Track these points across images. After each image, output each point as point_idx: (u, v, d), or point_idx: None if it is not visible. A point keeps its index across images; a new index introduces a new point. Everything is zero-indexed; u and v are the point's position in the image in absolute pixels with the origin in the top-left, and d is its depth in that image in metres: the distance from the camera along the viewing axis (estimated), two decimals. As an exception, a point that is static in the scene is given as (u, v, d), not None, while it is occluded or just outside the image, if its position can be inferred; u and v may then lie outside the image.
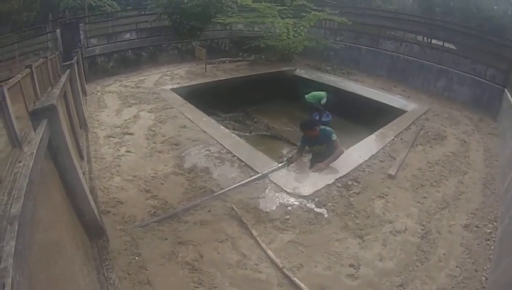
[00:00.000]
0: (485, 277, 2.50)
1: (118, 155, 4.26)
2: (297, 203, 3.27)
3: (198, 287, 2.32)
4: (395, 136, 4.90)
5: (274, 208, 3.19)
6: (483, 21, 16.95)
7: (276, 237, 2.82)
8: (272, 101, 8.38)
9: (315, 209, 3.19)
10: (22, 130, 4.10)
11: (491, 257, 2.69)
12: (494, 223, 3.10)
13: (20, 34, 14.81)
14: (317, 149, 4.09)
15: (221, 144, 4.52)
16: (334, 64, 9.56)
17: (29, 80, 5.39)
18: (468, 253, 2.73)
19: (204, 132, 4.96)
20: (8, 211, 0.99)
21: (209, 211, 3.15)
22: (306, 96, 6.97)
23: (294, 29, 9.67)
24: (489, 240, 2.89)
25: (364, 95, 7.35)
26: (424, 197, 3.49)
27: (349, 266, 2.56)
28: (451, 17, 18.28)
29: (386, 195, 3.50)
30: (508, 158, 4.04)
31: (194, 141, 4.65)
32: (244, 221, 2.96)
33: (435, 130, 5.25)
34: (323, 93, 6.94)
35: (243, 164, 4.02)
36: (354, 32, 10.71)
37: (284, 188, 3.50)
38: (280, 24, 9.72)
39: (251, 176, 3.72)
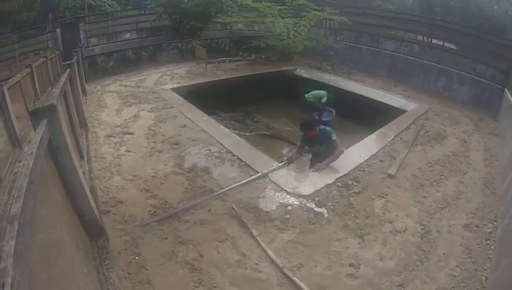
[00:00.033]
0: (485, 276, 2.50)
1: (118, 155, 4.26)
2: (297, 202, 3.27)
3: (198, 287, 2.32)
4: (395, 136, 4.90)
5: (274, 208, 3.19)
6: (483, 21, 16.95)
7: (276, 237, 2.82)
8: (272, 100, 8.38)
9: (315, 208, 3.19)
10: (22, 129, 4.10)
11: (491, 256, 2.69)
12: (494, 223, 3.10)
13: (20, 33, 14.80)
14: (317, 149, 4.09)
15: (221, 144, 4.52)
16: (334, 64, 9.56)
17: (29, 79, 5.39)
18: (468, 253, 2.73)
19: (205, 131, 4.96)
20: (8, 211, 0.99)
21: (209, 210, 3.15)
22: (306, 95, 6.97)
23: (295, 28, 9.66)
24: (489, 239, 2.89)
25: (364, 94, 7.35)
26: (424, 196, 3.49)
27: (349, 265, 2.56)
28: (452, 16, 18.28)
29: (386, 195, 3.49)
30: (508, 158, 4.04)
31: (194, 140, 4.65)
32: (244, 220, 2.96)
33: (435, 129, 5.25)
34: (323, 92, 6.94)
35: (243, 163, 4.02)
36: (354, 31, 10.71)
37: (284, 188, 3.50)
38: (280, 24, 9.72)
39: (251, 175, 3.72)
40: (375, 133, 5.03)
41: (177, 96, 6.71)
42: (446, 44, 9.11)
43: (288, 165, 3.98)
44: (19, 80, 4.55)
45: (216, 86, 7.90)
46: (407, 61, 8.31)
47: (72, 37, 12.03)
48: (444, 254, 2.71)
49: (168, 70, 8.94)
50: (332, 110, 6.98)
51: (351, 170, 3.88)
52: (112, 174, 3.79)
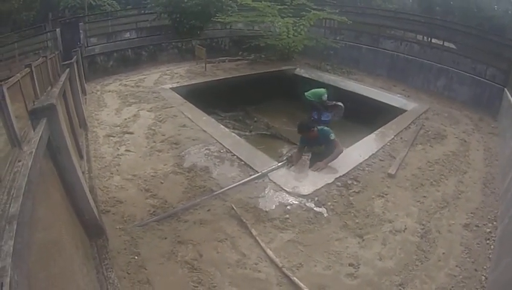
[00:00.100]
0: (484, 276, 2.50)
1: (118, 154, 4.26)
2: (296, 202, 3.27)
3: (197, 287, 2.32)
4: (395, 136, 4.90)
5: (273, 207, 3.19)
6: (483, 20, 16.95)
7: (276, 237, 2.82)
8: (272, 100, 8.37)
9: (315, 208, 3.19)
10: (21, 129, 4.09)
11: (490, 256, 2.69)
12: (494, 223, 3.10)
13: (20, 33, 14.78)
14: (317, 149, 4.08)
15: (220, 143, 4.52)
16: (334, 64, 9.55)
17: (28, 79, 5.38)
18: (468, 252, 2.73)
19: (204, 131, 4.96)
20: (6, 211, 0.99)
21: (208, 210, 3.14)
22: (306, 93, 6.96)
23: (294, 28, 9.66)
24: (489, 239, 2.89)
25: (364, 94, 7.35)
26: (424, 196, 3.49)
27: (349, 265, 2.56)
28: (451, 16, 18.28)
29: (386, 194, 3.49)
30: (508, 157, 4.04)
31: (193, 140, 4.65)
32: (244, 220, 2.96)
33: (435, 129, 5.25)
34: (323, 90, 6.93)
35: (243, 163, 4.02)
36: (354, 31, 10.70)
37: (284, 188, 3.50)
38: (280, 23, 9.71)
39: (251, 175, 3.72)
40: (375, 132, 5.03)
41: (176, 96, 6.70)
42: (446, 43, 9.10)
43: (287, 165, 3.98)
44: (18, 80, 4.54)
45: (216, 85, 7.90)
46: (407, 60, 8.30)
47: (72, 37, 12.03)
48: (443, 253, 2.71)
49: (167, 70, 8.93)
50: (340, 103, 6.95)
51: (351, 170, 3.87)
52: (112, 173, 3.79)
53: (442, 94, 7.25)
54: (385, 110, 6.35)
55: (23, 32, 14.92)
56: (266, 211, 3.13)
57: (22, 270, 0.88)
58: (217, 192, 3.39)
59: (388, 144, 4.64)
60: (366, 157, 4.17)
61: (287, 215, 3.08)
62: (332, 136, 3.89)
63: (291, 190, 3.45)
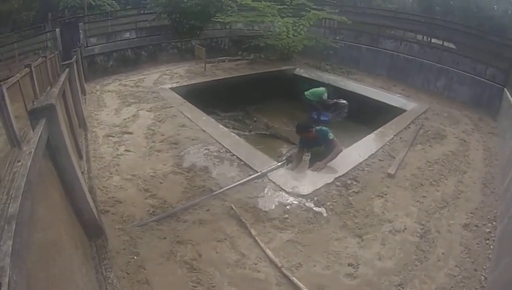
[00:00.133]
0: (484, 276, 2.50)
1: (117, 154, 4.25)
2: (296, 202, 3.27)
3: (196, 287, 2.32)
4: (394, 135, 4.90)
5: (273, 207, 3.19)
6: (483, 20, 16.95)
7: (275, 237, 2.82)
8: (272, 100, 8.37)
9: (314, 208, 3.19)
10: (21, 129, 4.08)
11: (490, 256, 2.69)
12: (494, 223, 3.11)
13: (19, 33, 14.78)
14: (317, 150, 4.08)
15: (220, 143, 4.52)
16: (333, 63, 9.55)
17: (28, 79, 5.37)
18: (468, 252, 2.73)
19: (204, 131, 4.95)
20: (5, 211, 0.99)
21: (208, 210, 3.14)
22: (306, 93, 6.97)
23: (294, 28, 9.66)
24: (488, 239, 2.89)
25: (364, 94, 7.35)
26: (424, 196, 3.49)
27: (348, 265, 2.56)
28: (451, 16, 18.28)
29: (385, 194, 3.49)
30: (507, 157, 4.04)
31: (193, 140, 4.65)
32: (243, 220, 2.96)
33: (435, 129, 5.25)
34: (322, 89, 6.94)
35: (242, 163, 4.02)
36: (354, 31, 10.70)
37: (283, 187, 3.50)
38: (280, 23, 9.71)
39: (250, 175, 3.72)
40: (375, 132, 5.03)
41: (176, 96, 6.70)
42: (446, 43, 9.10)
43: (287, 165, 3.98)
44: (18, 80, 4.54)
45: (215, 85, 7.90)
46: (406, 60, 8.30)
47: (72, 37, 12.02)
48: (443, 253, 2.71)
49: (167, 70, 8.93)
50: (343, 101, 6.95)
51: (350, 170, 3.87)
52: (111, 173, 3.79)
53: (442, 94, 7.25)
54: (385, 110, 6.35)
55: (23, 32, 14.92)
56: (265, 211, 3.13)
57: (21, 270, 0.88)
58: (217, 192, 3.39)
59: (388, 144, 4.64)
60: (366, 157, 4.17)
61: (287, 215, 3.08)
62: (331, 135, 3.88)
63: (290, 190, 3.45)
